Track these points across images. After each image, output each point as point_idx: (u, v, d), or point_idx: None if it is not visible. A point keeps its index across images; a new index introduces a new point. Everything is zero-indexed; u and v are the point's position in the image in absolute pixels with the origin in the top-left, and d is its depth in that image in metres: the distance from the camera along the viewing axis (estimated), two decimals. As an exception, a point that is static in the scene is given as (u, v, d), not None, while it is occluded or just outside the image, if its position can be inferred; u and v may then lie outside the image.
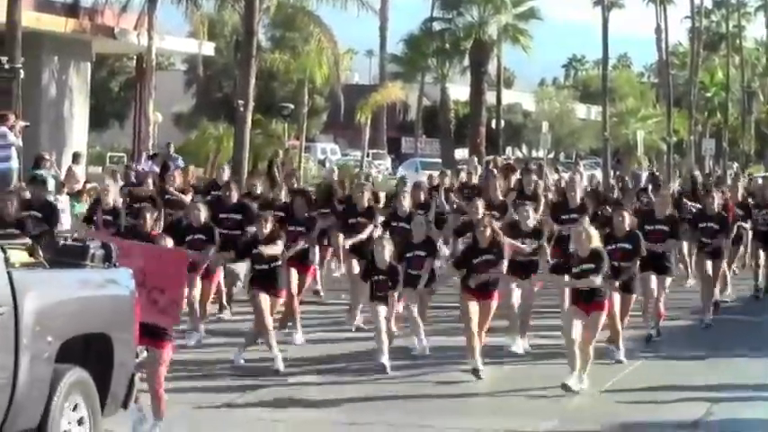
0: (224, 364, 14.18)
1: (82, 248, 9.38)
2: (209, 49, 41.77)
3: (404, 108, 72.99)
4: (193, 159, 42.83)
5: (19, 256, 8.80)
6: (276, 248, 14.10)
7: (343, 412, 12.08)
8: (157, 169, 27.22)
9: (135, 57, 41.57)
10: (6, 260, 8.33)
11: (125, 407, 9.65)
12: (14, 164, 22.13)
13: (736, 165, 67.00)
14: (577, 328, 12.81)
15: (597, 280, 12.85)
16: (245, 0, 33.69)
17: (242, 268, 16.10)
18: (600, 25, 53.49)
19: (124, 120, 56.86)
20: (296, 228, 15.97)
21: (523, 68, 78.31)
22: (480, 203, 15.88)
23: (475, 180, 23.99)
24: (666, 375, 13.97)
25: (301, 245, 15.89)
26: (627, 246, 14.46)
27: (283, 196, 17.69)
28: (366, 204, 17.21)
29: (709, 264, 17.62)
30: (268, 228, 14.38)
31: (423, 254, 14.76)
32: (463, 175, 24.85)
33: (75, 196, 20.95)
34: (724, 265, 18.70)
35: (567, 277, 13.17)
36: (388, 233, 15.84)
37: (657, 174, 40.92)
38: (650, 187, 24.63)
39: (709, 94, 73.33)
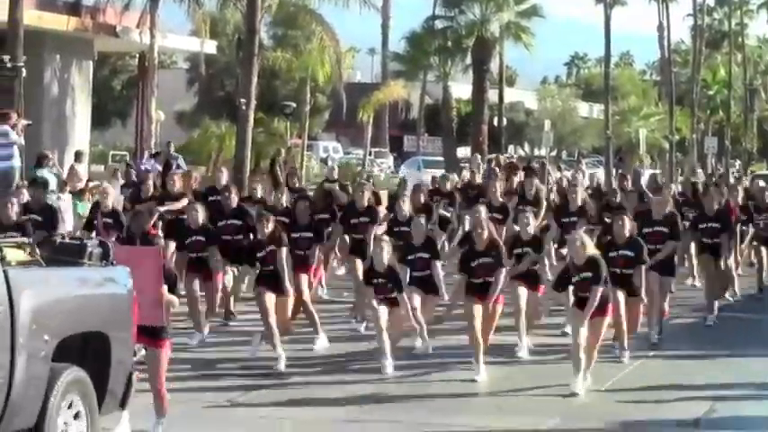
0: (226, 362, 14.16)
1: (79, 247, 9.36)
2: (211, 47, 41.72)
3: (406, 106, 73.08)
4: (196, 158, 43.02)
5: (15, 254, 8.76)
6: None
7: (346, 411, 12.05)
8: (160, 168, 27.22)
9: (137, 55, 41.58)
10: (2, 258, 8.30)
11: (123, 406, 9.62)
12: (16, 162, 22.06)
13: (738, 163, 66.98)
14: (583, 333, 12.76)
15: (598, 292, 12.76)
16: (246, -2, 33.66)
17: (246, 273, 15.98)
18: (602, 23, 53.29)
19: (126, 118, 56.89)
20: (300, 234, 15.86)
21: (526, 66, 78.16)
22: (483, 209, 15.73)
23: (478, 179, 23.85)
24: (668, 373, 13.94)
25: (317, 253, 16.16)
26: (629, 253, 14.27)
27: (284, 201, 17.63)
28: (366, 204, 17.17)
29: (712, 262, 17.59)
30: (269, 228, 14.35)
31: (426, 255, 14.63)
32: (466, 174, 24.76)
33: (78, 195, 20.86)
34: (730, 263, 18.61)
35: (571, 296, 13.09)
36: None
37: (658, 173, 40.79)
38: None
39: (711, 92, 73.25)
